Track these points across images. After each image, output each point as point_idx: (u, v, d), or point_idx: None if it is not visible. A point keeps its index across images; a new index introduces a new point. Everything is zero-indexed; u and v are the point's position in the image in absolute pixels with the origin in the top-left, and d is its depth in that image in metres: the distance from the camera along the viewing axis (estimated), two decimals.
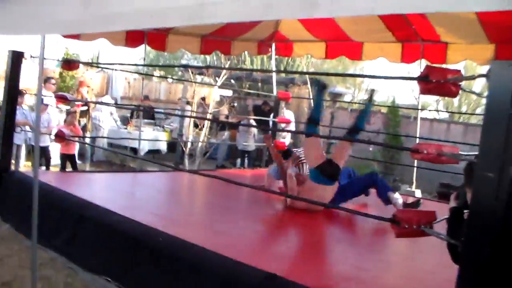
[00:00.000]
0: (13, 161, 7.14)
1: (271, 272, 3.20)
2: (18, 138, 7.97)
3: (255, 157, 13.43)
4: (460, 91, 2.58)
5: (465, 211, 2.44)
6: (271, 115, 10.56)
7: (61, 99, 5.92)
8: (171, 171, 8.13)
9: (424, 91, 2.60)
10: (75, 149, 8.84)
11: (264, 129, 13.17)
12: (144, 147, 11.76)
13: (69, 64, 5.88)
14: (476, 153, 2.26)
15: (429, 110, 19.01)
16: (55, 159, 9.03)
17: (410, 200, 6.11)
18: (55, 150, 8.92)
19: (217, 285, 3.39)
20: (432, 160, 2.51)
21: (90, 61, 16.75)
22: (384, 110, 14.93)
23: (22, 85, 6.20)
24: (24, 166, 8.87)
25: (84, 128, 10.47)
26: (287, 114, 11.30)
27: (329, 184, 5.47)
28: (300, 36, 8.77)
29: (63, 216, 4.80)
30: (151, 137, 12.50)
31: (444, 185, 3.08)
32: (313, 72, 20.05)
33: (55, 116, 9.18)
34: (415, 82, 2.75)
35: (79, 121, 9.91)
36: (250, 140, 12.55)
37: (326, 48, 8.78)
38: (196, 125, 11.73)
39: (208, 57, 20.64)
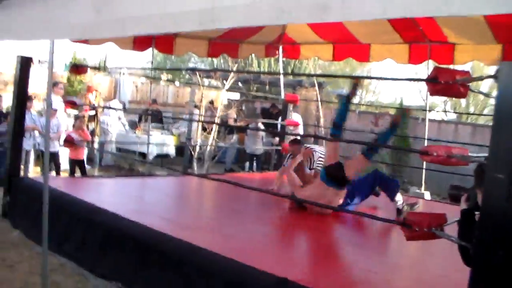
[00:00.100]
0: (22, 167, 7.17)
1: (281, 276, 3.20)
2: (27, 144, 8.00)
3: (263, 160, 13.42)
4: (468, 92, 2.58)
5: (476, 213, 2.42)
6: (279, 118, 10.56)
7: (70, 104, 5.95)
8: (180, 175, 8.14)
9: (433, 92, 2.60)
10: (84, 154, 8.86)
11: (272, 132, 13.17)
12: (153, 151, 11.78)
13: (77, 68, 5.90)
14: (486, 154, 2.25)
15: (437, 111, 18.94)
16: (64, 164, 9.06)
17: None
18: (64, 155, 8.95)
19: None
20: (442, 162, 2.50)
21: (98, 65, 16.81)
22: (392, 111, 14.86)
23: (30, 90, 6.23)
24: (33, 171, 8.91)
25: (92, 133, 10.49)
26: (295, 116, 11.29)
27: (332, 186, 5.38)
28: (308, 38, 8.77)
29: (73, 221, 4.82)
30: (159, 141, 12.51)
31: (454, 187, 3.06)
32: (321, 74, 20.01)
33: (63, 121, 9.21)
34: (423, 83, 2.75)
35: (87, 126, 9.92)
36: (259, 143, 12.54)
37: (333, 50, 8.77)
38: (204, 129, 11.74)
39: (215, 60, 20.67)
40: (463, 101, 20.29)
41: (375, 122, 14.53)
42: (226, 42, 8.73)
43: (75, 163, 8.54)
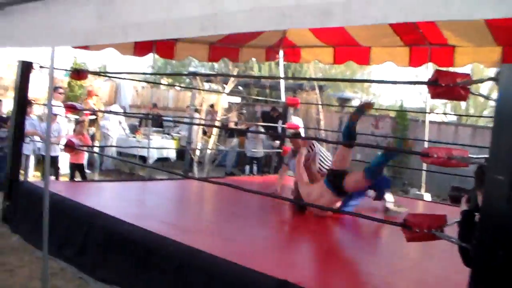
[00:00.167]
0: (21, 171, 7.18)
1: (282, 279, 3.20)
2: (27, 148, 8.00)
3: (264, 163, 13.43)
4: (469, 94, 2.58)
5: (476, 214, 2.43)
6: (280, 121, 10.57)
7: (70, 108, 5.95)
8: (180, 179, 8.15)
9: (434, 95, 2.60)
10: (84, 158, 8.87)
11: (273, 135, 13.18)
12: (153, 155, 11.79)
13: (78, 73, 5.90)
14: (486, 156, 2.26)
15: (437, 114, 18.94)
16: (64, 169, 9.07)
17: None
18: (64, 160, 8.96)
19: None
20: (442, 164, 2.51)
21: (98, 70, 16.84)
22: (392, 114, 14.88)
23: (30, 95, 6.24)
24: (32, 176, 8.91)
25: (92, 137, 10.51)
26: (296, 120, 11.30)
27: (331, 190, 5.31)
28: (308, 42, 8.78)
29: (73, 225, 4.82)
30: (159, 145, 12.53)
31: (455, 188, 3.08)
32: (322, 78, 20.03)
33: (64, 126, 9.22)
34: (424, 86, 2.75)
35: (87, 130, 9.93)
36: (259, 146, 12.55)
37: (334, 54, 8.78)
38: (204, 132, 11.75)
39: (215, 64, 20.70)
40: (463, 103, 20.29)
41: (375, 125, 14.61)
42: (227, 46, 8.74)
43: (76, 168, 8.54)
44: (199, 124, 11.35)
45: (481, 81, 2.72)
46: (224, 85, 12.09)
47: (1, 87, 12.02)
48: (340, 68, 21.77)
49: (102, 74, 13.41)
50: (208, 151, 11.25)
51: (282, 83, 10.21)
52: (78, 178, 8.47)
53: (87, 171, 9.36)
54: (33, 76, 5.94)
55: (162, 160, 12.80)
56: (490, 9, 1.62)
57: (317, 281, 3.51)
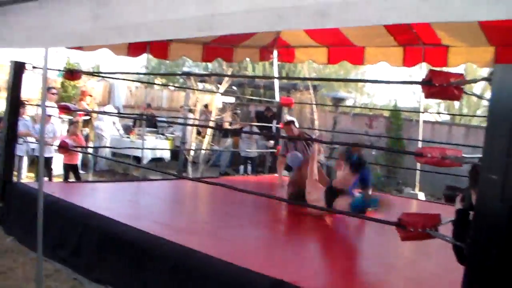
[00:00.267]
0: (15, 173, 7.15)
1: (277, 278, 3.20)
2: (20, 149, 7.98)
3: (258, 163, 13.44)
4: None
5: (470, 212, 2.44)
6: (274, 121, 10.58)
7: (64, 109, 5.94)
8: (175, 179, 8.14)
9: (428, 95, 2.61)
10: (78, 159, 8.85)
11: (267, 135, 13.18)
12: (147, 155, 11.77)
13: (71, 74, 5.88)
14: (480, 155, 2.27)
15: (431, 113, 18.99)
16: (58, 170, 9.04)
17: None
18: (58, 161, 8.93)
19: None
20: (436, 164, 2.52)
21: (92, 70, 16.79)
22: (386, 113, 14.92)
23: (23, 96, 6.22)
24: (26, 177, 8.88)
25: (86, 138, 10.48)
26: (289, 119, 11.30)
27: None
28: (302, 42, 8.80)
29: (68, 226, 4.80)
30: (153, 145, 12.51)
31: (450, 187, 3.09)
32: (316, 78, 20.06)
33: (58, 127, 9.20)
34: (418, 85, 2.76)
35: (81, 131, 9.91)
36: (253, 146, 12.56)
37: (328, 54, 8.80)
38: (199, 133, 11.74)
39: (209, 64, 20.68)
40: (456, 102, 20.35)
41: (369, 124, 14.63)
42: (221, 47, 8.74)
43: (69, 168, 8.52)
44: (193, 125, 11.35)
45: (475, 81, 2.73)
46: (218, 85, 12.08)
47: None
48: (334, 68, 21.78)
49: (96, 74, 13.37)
50: (202, 151, 11.24)
51: (276, 83, 10.22)
52: (72, 179, 8.45)
53: (81, 171, 9.34)
54: (25, 77, 5.91)
55: (156, 161, 12.78)
56: (486, 11, 1.63)
57: (312, 280, 3.51)
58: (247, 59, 11.59)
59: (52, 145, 8.20)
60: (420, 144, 8.53)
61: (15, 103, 5.96)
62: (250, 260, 3.72)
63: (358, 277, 3.91)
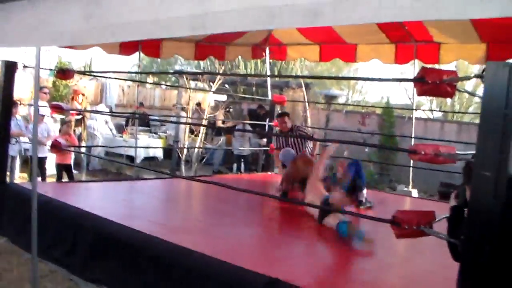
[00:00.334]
0: (7, 173, 7.12)
1: (273, 277, 3.21)
2: (13, 150, 7.94)
3: (251, 161, 13.44)
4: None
5: (465, 209, 2.45)
6: (267, 119, 10.59)
7: (57, 108, 5.90)
8: (168, 178, 8.13)
9: (420, 92, 2.62)
10: (71, 159, 8.81)
11: (260, 133, 13.18)
12: (140, 154, 11.74)
13: (63, 73, 5.85)
14: (473, 152, 2.29)
15: (423, 110, 19.07)
16: (51, 169, 9.00)
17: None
18: (51, 161, 8.89)
19: None
20: (430, 161, 2.53)
21: (83, 69, 16.71)
22: (378, 111, 14.95)
23: (14, 95, 6.18)
24: (19, 177, 8.84)
25: (79, 137, 10.44)
26: None
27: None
28: (294, 39, 8.80)
29: (62, 227, 4.79)
30: (146, 144, 12.48)
31: (444, 184, 3.12)
32: (309, 75, 20.08)
33: (50, 126, 9.15)
34: (410, 83, 2.78)
35: (74, 130, 9.86)
36: (246, 144, 12.56)
37: (320, 51, 8.81)
38: (192, 131, 11.73)
39: (202, 63, 20.65)
40: (448, 99, 20.45)
41: (362, 122, 14.67)
42: (213, 45, 8.73)
43: (62, 168, 8.49)
44: (186, 123, 11.32)
45: (467, 78, 2.75)
46: (211, 83, 12.07)
47: None
48: (326, 66, 21.83)
49: (88, 73, 13.31)
50: (196, 150, 11.23)
51: (269, 81, 10.22)
52: (65, 178, 8.42)
53: (74, 171, 9.30)
54: (17, 76, 5.88)
55: (149, 159, 12.75)
56: (480, 9, 1.64)
57: (307, 278, 3.52)
58: (239, 57, 11.57)
59: (46, 145, 8.17)
60: (413, 141, 8.56)
61: (7, 103, 5.92)
62: (245, 258, 3.73)
63: (353, 275, 3.92)
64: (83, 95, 11.38)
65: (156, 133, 13.96)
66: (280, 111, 8.02)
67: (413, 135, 8.87)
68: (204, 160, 11.96)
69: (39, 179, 8.36)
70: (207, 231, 4.75)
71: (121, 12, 2.51)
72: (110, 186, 7.23)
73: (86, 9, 2.60)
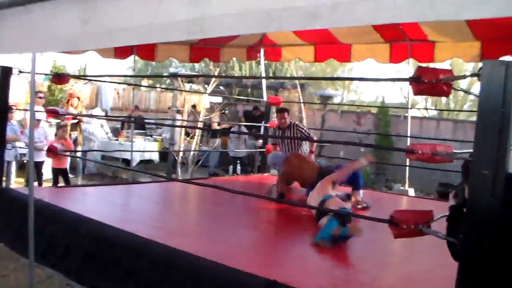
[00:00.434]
0: (3, 178, 7.09)
1: (271, 279, 3.20)
2: (8, 155, 7.92)
3: (246, 163, 13.44)
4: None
5: (464, 208, 2.46)
6: (263, 121, 10.60)
7: (52, 113, 5.89)
8: (165, 181, 8.11)
9: (417, 91, 2.62)
10: (67, 163, 8.79)
11: (256, 134, 13.18)
12: (136, 157, 11.72)
13: (59, 78, 5.84)
14: (470, 150, 2.29)
15: (418, 109, 19.10)
16: (47, 174, 8.98)
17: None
18: (47, 165, 8.87)
19: None
20: (427, 160, 2.53)
21: (78, 73, 16.68)
22: (374, 110, 14.98)
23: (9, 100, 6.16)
24: (15, 182, 8.81)
25: (75, 141, 10.42)
26: None
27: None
28: (289, 40, 8.80)
29: (59, 232, 4.76)
30: (142, 147, 12.46)
31: (443, 184, 3.12)
32: (305, 77, 20.09)
33: (47, 130, 9.14)
34: (406, 82, 2.78)
35: (69, 135, 9.84)
36: (241, 146, 12.56)
37: (315, 52, 8.82)
38: (187, 134, 11.72)
39: (196, 65, 20.64)
40: (443, 98, 20.48)
41: (357, 121, 14.70)
42: (207, 47, 8.73)
43: (58, 172, 8.47)
44: (181, 126, 11.32)
45: (464, 77, 2.75)
46: (206, 85, 12.06)
47: None
48: (321, 66, 21.82)
49: (83, 77, 13.29)
50: (191, 152, 11.22)
51: (264, 82, 10.22)
52: (61, 183, 8.40)
53: (70, 175, 9.28)
54: (12, 81, 5.86)
55: (145, 162, 12.73)
56: (477, 10, 1.64)
57: (306, 280, 3.52)
58: (234, 58, 11.58)
59: (43, 150, 8.15)
60: (408, 140, 8.58)
61: (3, 108, 5.90)
62: (243, 261, 3.73)
63: (351, 275, 3.91)
64: (78, 98, 11.36)
65: (151, 136, 13.94)
66: (280, 107, 8.06)
67: (408, 134, 8.89)
68: (200, 162, 11.95)
69: (36, 183, 8.34)
70: (205, 234, 4.74)
71: (118, 17, 2.50)
72: (107, 190, 7.20)
73: (82, 14, 2.59)
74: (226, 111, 14.82)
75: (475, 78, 2.24)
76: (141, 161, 12.42)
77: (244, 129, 12.58)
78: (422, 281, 3.71)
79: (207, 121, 12.21)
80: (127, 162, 11.30)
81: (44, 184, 8.67)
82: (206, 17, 2.18)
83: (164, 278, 3.72)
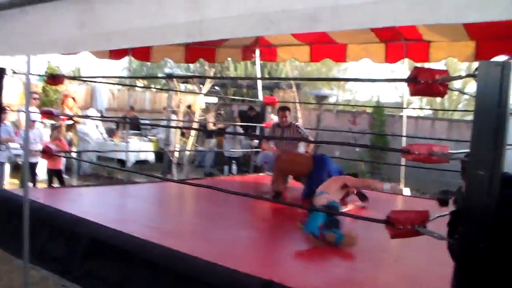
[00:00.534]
0: None
1: (267, 279, 3.20)
2: (2, 156, 7.90)
3: (242, 163, 13.43)
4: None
5: None
6: (258, 121, 10.60)
7: (47, 114, 5.86)
8: (160, 182, 8.10)
9: (413, 92, 2.62)
10: (62, 164, 8.76)
11: (253, 135, 13.18)
12: (131, 158, 11.70)
13: (53, 79, 5.81)
14: (466, 150, 2.29)
15: (413, 109, 19.13)
16: (42, 175, 8.95)
17: None
18: (42, 166, 8.84)
19: None
20: (424, 160, 2.53)
21: (72, 73, 16.63)
22: (369, 110, 15.00)
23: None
24: (9, 183, 8.77)
25: (70, 142, 10.37)
26: (275, 119, 11.34)
27: None
28: (284, 40, 8.80)
29: (54, 233, 4.76)
30: (137, 148, 12.44)
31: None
32: (301, 78, 20.08)
33: (43, 131, 9.10)
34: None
35: (64, 136, 9.79)
36: (237, 146, 12.55)
37: (310, 52, 8.82)
38: (183, 134, 11.71)
39: (191, 65, 20.60)
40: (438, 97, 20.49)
41: (352, 121, 14.70)
42: (203, 47, 8.72)
43: (53, 174, 8.44)
44: (177, 127, 11.30)
45: (460, 77, 2.75)
46: (201, 86, 12.05)
47: None
48: (316, 66, 21.82)
49: (78, 78, 13.25)
50: (187, 153, 11.20)
51: (259, 82, 10.21)
52: (56, 184, 8.37)
53: (65, 176, 9.25)
54: (5, 82, 5.83)
55: (141, 163, 12.71)
56: (478, 13, 1.63)
57: (302, 279, 3.52)
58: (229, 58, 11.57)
59: (38, 151, 8.12)
60: (404, 140, 8.59)
61: None
62: (239, 261, 3.73)
63: (347, 274, 3.92)
64: (73, 99, 11.32)
65: (146, 136, 13.92)
66: (282, 106, 8.11)
67: (404, 134, 8.89)
68: (195, 162, 11.93)
69: (30, 184, 8.30)
70: (202, 234, 4.74)
71: (116, 19, 2.49)
72: (102, 191, 7.20)
73: (79, 17, 2.57)
74: (222, 112, 14.81)
75: (474, 79, 2.24)
76: (137, 162, 12.39)
77: (239, 129, 12.57)
78: (418, 280, 3.72)
79: (203, 121, 12.20)
80: (122, 162, 11.27)
81: (39, 185, 8.64)
82: (205, 20, 2.18)
83: (161, 279, 3.72)
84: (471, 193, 2.24)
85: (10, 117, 9.02)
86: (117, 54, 7.80)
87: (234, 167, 12.69)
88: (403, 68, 8.72)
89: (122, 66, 24.79)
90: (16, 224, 4.54)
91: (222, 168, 13.26)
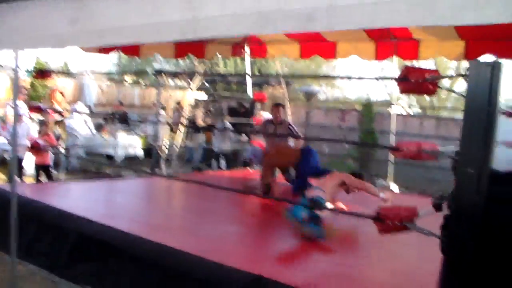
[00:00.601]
0: None
1: (257, 274, 3.21)
2: None
3: (231, 158, 13.42)
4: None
5: None
6: (247, 116, 10.61)
7: (35, 109, 5.84)
8: (149, 177, 8.08)
9: (403, 90, 2.64)
10: (50, 159, 8.69)
11: (246, 131, 13.19)
12: (120, 153, 11.65)
13: (42, 74, 5.79)
14: (454, 147, 2.32)
15: (402, 107, 19.21)
16: (30, 170, 8.88)
17: None
18: (29, 161, 8.76)
19: None
20: (413, 158, 2.55)
21: (61, 68, 16.53)
22: (358, 107, 15.05)
23: None
24: None
25: (58, 138, 10.30)
26: (265, 115, 11.34)
27: None
28: (274, 37, 8.78)
29: (42, 227, 4.73)
30: (127, 143, 12.38)
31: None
32: (292, 75, 20.11)
33: (31, 126, 9.03)
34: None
35: (53, 131, 9.72)
36: (226, 141, 12.54)
37: (300, 49, 8.81)
38: (172, 129, 11.67)
39: (180, 60, 20.54)
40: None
41: (342, 118, 14.74)
42: (192, 43, 8.67)
43: (41, 169, 8.38)
44: (167, 124, 11.27)
45: (450, 76, 2.78)
46: (190, 81, 12.02)
47: None
48: (305, 62, 21.83)
49: (67, 73, 13.17)
50: (176, 148, 11.18)
51: (249, 79, 10.20)
52: (43, 179, 8.31)
53: (52, 171, 9.18)
54: None
55: (130, 159, 12.66)
56: (474, 15, 1.64)
57: (291, 274, 3.53)
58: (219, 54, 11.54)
59: (26, 145, 8.05)
60: (393, 137, 8.63)
61: None
62: (228, 256, 3.72)
63: (337, 270, 3.93)
64: (61, 93, 11.23)
65: (135, 131, 13.86)
66: (276, 102, 8.15)
67: (393, 131, 8.93)
68: (184, 158, 11.90)
69: (18, 179, 8.23)
70: (191, 229, 4.74)
71: (109, 16, 2.47)
72: (90, 186, 7.16)
73: (71, 13, 2.55)
74: (211, 108, 14.78)
75: (464, 79, 2.26)
76: (126, 158, 12.33)
77: (228, 125, 12.56)
78: (407, 275, 3.75)
79: (192, 117, 12.18)
80: (111, 158, 11.21)
81: (26, 180, 8.57)
82: (200, 18, 2.17)
83: (150, 274, 3.71)
84: (460, 190, 2.27)
85: None
86: (105, 48, 7.75)
87: (223, 162, 12.68)
88: (392, 65, 8.75)
89: (111, 61, 24.68)
90: (2, 219, 4.51)
91: (210, 162, 13.26)
